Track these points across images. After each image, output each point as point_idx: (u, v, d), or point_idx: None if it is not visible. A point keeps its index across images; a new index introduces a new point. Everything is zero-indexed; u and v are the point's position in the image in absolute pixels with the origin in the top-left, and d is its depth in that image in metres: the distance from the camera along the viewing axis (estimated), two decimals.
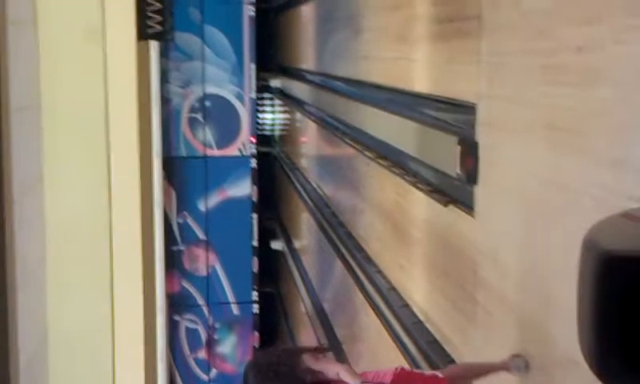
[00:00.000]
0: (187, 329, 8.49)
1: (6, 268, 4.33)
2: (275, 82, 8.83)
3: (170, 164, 8.12)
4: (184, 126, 8.22)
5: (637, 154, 1.75)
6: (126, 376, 6.69)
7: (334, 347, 5.40)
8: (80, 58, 5.94)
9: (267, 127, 9.54)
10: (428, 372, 2.75)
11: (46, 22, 5.70)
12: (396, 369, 2.30)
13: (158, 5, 6.04)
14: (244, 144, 8.36)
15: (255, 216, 8.49)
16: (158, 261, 7.44)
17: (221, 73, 8.24)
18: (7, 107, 4.32)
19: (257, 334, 8.64)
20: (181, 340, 8.47)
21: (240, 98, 8.31)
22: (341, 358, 5.18)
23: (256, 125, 8.54)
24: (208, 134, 8.29)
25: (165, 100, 7.95)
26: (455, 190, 2.91)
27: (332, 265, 5.45)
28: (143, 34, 6.01)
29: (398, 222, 3.76)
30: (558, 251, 2.07)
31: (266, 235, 8.80)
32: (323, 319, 5.90)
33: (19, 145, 4.81)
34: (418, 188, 3.31)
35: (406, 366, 2.53)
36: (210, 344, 8.51)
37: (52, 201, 6.01)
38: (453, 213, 2.92)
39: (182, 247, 8.37)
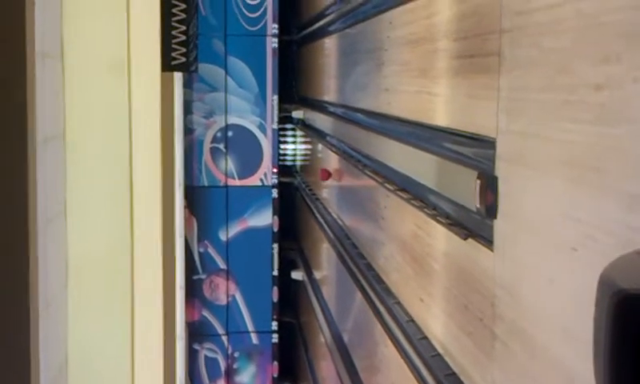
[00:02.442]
0: (206, 358, 8.51)
1: (28, 297, 4.38)
2: (297, 113, 8.90)
3: (192, 193, 8.19)
4: (206, 156, 8.30)
5: None
6: None
7: (353, 378, 5.39)
8: (104, 88, 6.03)
9: (289, 158, 9.60)
10: None
11: (72, 54, 5.80)
12: None
13: (183, 36, 6.13)
14: (265, 174, 8.42)
15: (276, 246, 8.53)
16: (178, 289, 7.48)
17: (243, 104, 8.33)
18: (34, 138, 4.40)
19: (276, 363, 8.64)
20: (200, 369, 8.48)
21: (262, 128, 8.38)
22: None
23: (277, 155, 8.60)
24: (230, 164, 8.36)
25: (188, 130, 8.04)
26: (474, 224, 2.93)
27: (352, 296, 5.46)
28: (167, 66, 6.09)
29: (417, 255, 3.77)
30: (576, 287, 2.08)
31: (286, 265, 8.82)
32: (342, 350, 5.90)
33: (44, 175, 4.88)
34: (437, 221, 3.33)
35: None
36: (229, 373, 8.52)
37: (74, 230, 6.07)
38: (472, 246, 2.93)
39: (202, 276, 8.41)
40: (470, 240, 2.96)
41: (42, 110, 4.72)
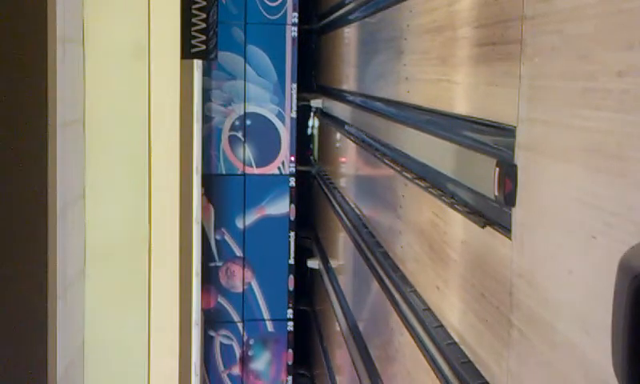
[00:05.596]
0: (222, 344, 8.54)
1: (47, 282, 4.41)
2: (316, 102, 8.89)
3: (210, 181, 8.21)
4: (224, 144, 8.31)
5: None
6: None
7: (368, 367, 5.40)
8: (125, 74, 6.05)
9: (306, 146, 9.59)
10: None
11: (93, 40, 5.82)
12: None
13: (203, 24, 6.14)
14: (283, 163, 8.42)
15: (292, 234, 8.54)
16: (195, 276, 7.51)
17: (262, 92, 8.33)
18: (54, 122, 4.42)
19: (291, 351, 8.67)
20: (215, 355, 8.52)
21: (281, 117, 8.38)
22: (375, 378, 5.18)
23: (295, 144, 8.60)
24: (248, 152, 8.37)
25: (206, 118, 8.05)
26: (493, 212, 2.92)
27: (368, 284, 5.47)
28: (187, 53, 6.10)
29: (434, 243, 3.77)
30: (595, 275, 2.07)
31: (302, 253, 8.84)
32: (358, 338, 5.91)
33: (63, 160, 4.91)
34: (455, 209, 3.32)
35: None
36: (244, 360, 8.55)
37: (92, 215, 6.10)
38: (490, 234, 2.93)
39: (219, 264, 8.43)
40: (488, 228, 2.95)
41: (61, 94, 4.74)
